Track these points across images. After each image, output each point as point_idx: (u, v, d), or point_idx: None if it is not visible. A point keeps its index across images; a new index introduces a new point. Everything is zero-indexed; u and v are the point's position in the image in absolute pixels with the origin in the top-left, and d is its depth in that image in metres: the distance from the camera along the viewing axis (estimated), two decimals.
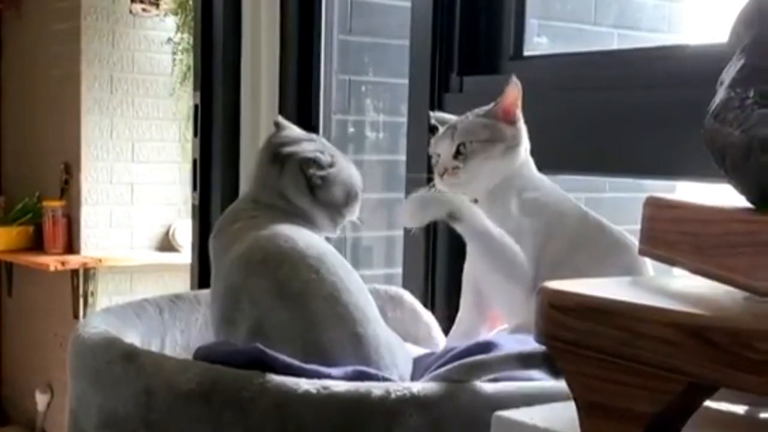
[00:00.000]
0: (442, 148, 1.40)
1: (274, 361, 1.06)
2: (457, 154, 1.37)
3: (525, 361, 1.03)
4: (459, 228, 1.31)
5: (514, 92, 1.38)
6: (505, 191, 1.36)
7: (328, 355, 1.14)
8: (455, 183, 1.38)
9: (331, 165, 1.34)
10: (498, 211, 1.34)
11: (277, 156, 1.34)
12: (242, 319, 1.20)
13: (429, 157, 1.45)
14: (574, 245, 1.32)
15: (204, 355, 1.14)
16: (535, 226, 1.32)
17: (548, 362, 0.97)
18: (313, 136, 1.42)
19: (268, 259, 1.21)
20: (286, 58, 2.29)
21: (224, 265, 1.27)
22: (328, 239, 1.36)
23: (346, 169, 1.37)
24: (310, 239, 1.25)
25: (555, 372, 0.96)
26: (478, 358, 1.08)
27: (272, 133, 1.41)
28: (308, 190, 1.33)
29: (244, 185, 2.36)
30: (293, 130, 1.41)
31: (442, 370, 1.08)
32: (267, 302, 1.18)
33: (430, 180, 1.44)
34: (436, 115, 1.48)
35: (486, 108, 1.40)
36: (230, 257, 1.25)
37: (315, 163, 1.33)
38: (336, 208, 1.35)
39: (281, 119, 1.43)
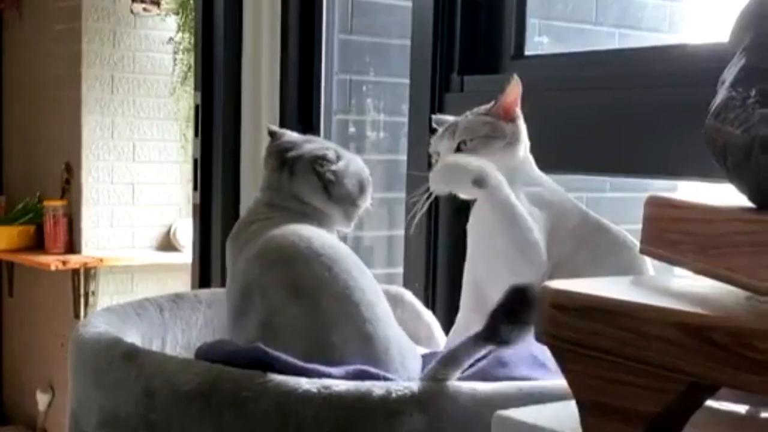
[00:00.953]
0: (442, 147, 1.40)
1: (276, 360, 1.06)
2: (458, 151, 1.38)
3: (479, 339, 1.04)
4: (483, 195, 1.31)
5: (514, 91, 1.39)
6: (510, 185, 1.36)
7: (336, 353, 1.14)
8: None
9: (338, 159, 1.35)
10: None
11: (285, 161, 1.35)
12: (254, 313, 1.20)
13: (430, 156, 1.45)
14: (576, 244, 1.32)
15: (205, 354, 1.15)
16: (542, 218, 1.32)
17: (492, 333, 1.01)
18: (310, 137, 1.43)
19: (282, 256, 1.22)
20: (286, 58, 2.29)
21: (240, 264, 1.27)
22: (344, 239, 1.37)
23: (353, 160, 1.39)
24: (325, 239, 1.26)
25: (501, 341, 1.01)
26: (446, 352, 1.08)
27: (270, 142, 1.41)
28: (322, 188, 1.33)
29: (245, 185, 2.36)
30: (290, 134, 1.42)
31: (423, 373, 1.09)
32: (279, 298, 1.19)
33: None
34: (437, 118, 1.49)
35: (486, 106, 1.41)
36: (246, 255, 1.26)
37: (325, 159, 1.34)
38: (351, 201, 1.36)
39: (274, 127, 1.45)
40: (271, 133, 1.43)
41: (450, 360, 1.06)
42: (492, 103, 1.41)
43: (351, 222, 1.39)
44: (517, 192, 1.34)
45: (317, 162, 1.34)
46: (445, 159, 1.37)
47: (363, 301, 1.20)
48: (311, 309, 1.17)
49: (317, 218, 1.33)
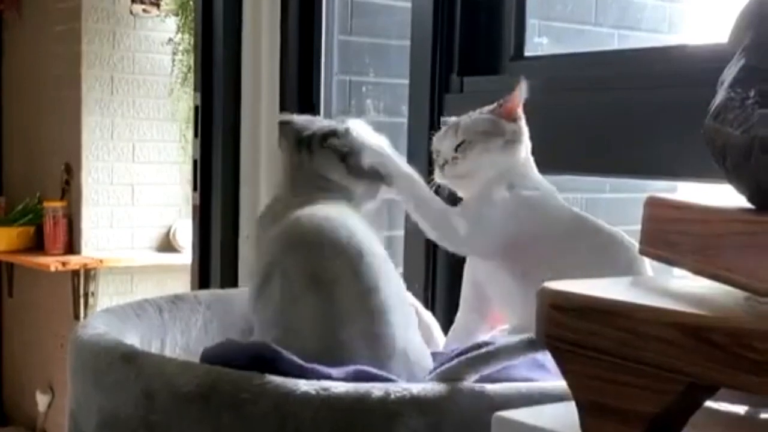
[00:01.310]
0: (444, 145, 1.41)
1: (277, 357, 1.06)
2: (458, 148, 1.39)
3: (523, 346, 1.05)
4: (392, 193, 1.35)
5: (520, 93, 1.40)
6: (498, 182, 1.36)
7: (344, 350, 1.14)
8: (454, 174, 1.39)
9: (348, 132, 1.35)
10: (483, 196, 1.35)
11: (301, 141, 1.35)
12: (272, 294, 1.20)
13: (429, 155, 1.46)
14: (570, 248, 1.32)
15: (210, 356, 1.14)
16: (515, 221, 1.32)
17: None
18: (321, 118, 1.44)
19: (306, 240, 1.21)
20: (286, 58, 2.29)
21: (264, 244, 1.27)
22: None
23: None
24: (352, 227, 1.24)
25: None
26: (478, 353, 1.08)
27: (282, 128, 1.41)
28: (341, 161, 1.33)
29: (245, 185, 2.36)
30: (301, 117, 1.42)
31: (444, 367, 1.08)
32: (298, 285, 1.18)
33: (430, 173, 1.45)
34: (446, 120, 1.49)
35: (490, 107, 1.42)
36: (271, 235, 1.26)
37: (334, 134, 1.34)
38: (371, 174, 1.35)
39: (285, 117, 1.44)
40: (283, 123, 1.43)
41: (477, 361, 1.06)
42: (496, 103, 1.41)
43: (375, 197, 1.37)
44: (499, 189, 1.35)
45: (330, 136, 1.34)
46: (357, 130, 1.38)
47: (381, 300, 1.19)
48: (327, 302, 1.17)
49: (343, 195, 1.32)
